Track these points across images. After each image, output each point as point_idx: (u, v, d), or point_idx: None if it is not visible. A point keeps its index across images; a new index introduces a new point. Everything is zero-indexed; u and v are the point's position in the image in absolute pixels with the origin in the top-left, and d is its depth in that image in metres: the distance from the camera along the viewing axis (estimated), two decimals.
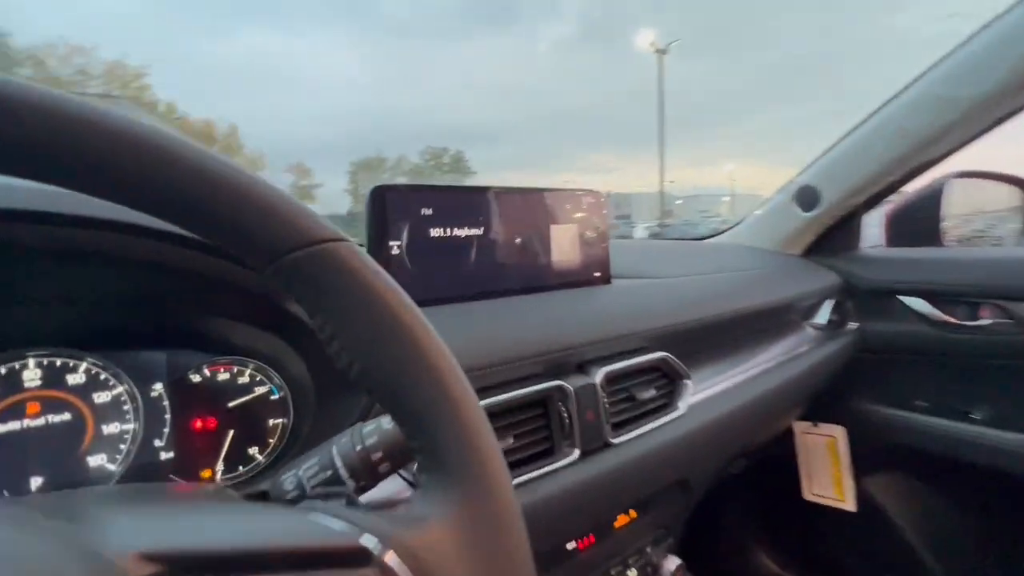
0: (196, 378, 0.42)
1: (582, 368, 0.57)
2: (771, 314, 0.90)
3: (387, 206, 0.48)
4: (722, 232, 1.30)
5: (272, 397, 0.44)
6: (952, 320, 0.97)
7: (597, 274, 0.66)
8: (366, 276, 0.24)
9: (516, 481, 0.47)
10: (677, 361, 0.64)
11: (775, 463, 1.18)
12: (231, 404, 0.42)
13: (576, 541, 0.56)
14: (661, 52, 19.69)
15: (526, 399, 0.50)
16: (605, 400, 0.56)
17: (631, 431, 0.58)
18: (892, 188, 1.05)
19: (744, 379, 0.77)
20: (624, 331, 0.60)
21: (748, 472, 1.05)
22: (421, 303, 0.48)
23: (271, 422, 0.43)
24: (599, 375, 0.56)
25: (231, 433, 0.42)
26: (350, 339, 0.24)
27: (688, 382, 0.65)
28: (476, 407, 0.25)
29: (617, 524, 0.59)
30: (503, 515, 0.24)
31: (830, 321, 1.02)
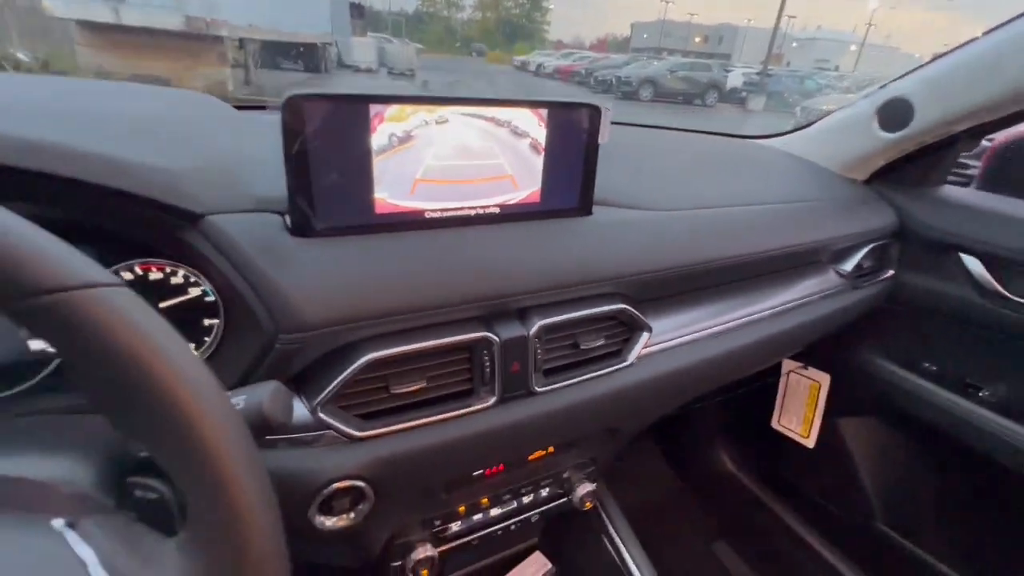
0: (127, 275, 0.42)
1: (523, 315, 0.54)
2: (792, 257, 0.81)
3: (305, 118, 0.40)
4: (787, 133, 1.10)
5: (207, 299, 0.43)
6: (1005, 292, 0.84)
7: (573, 205, 0.57)
8: (111, 329, 0.20)
9: (424, 421, 0.49)
10: (636, 312, 0.59)
11: (750, 389, 1.19)
12: (163, 304, 0.42)
13: (484, 471, 0.58)
14: None
15: (447, 347, 0.48)
16: (539, 349, 0.53)
17: (563, 380, 0.56)
18: (1008, 121, 0.82)
19: (727, 327, 0.72)
20: (576, 278, 0.54)
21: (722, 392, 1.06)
22: (343, 231, 0.45)
23: (206, 322, 0.43)
24: (535, 326, 0.52)
25: None
26: (99, 396, 0.21)
27: (645, 334, 0.61)
28: (249, 485, 0.23)
29: (532, 457, 0.61)
30: None
31: (860, 268, 0.90)
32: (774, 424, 1.11)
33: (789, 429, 1.08)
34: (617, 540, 0.73)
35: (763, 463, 1.32)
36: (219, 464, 0.23)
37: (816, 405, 1.02)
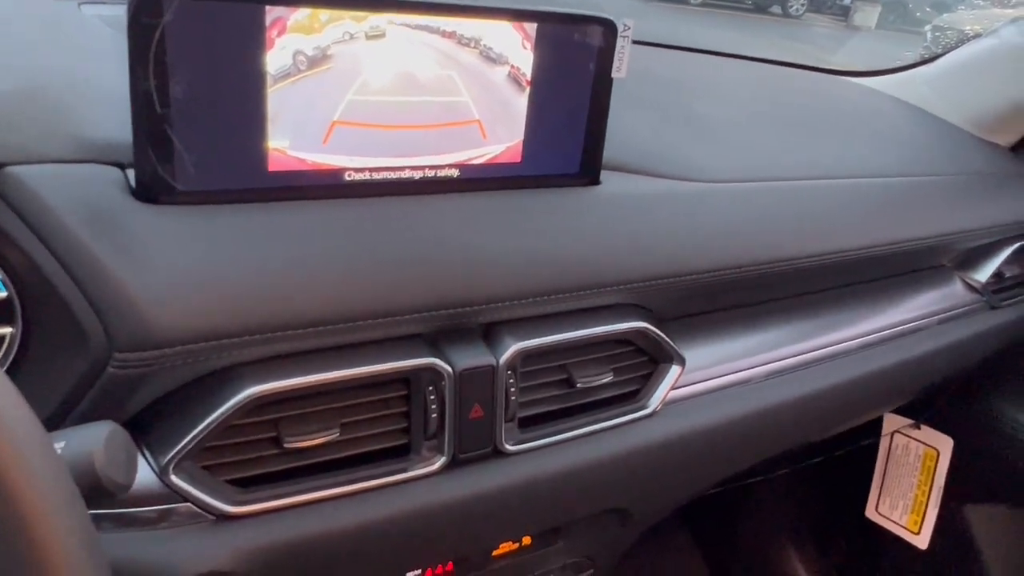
0: None
1: (490, 334, 0.55)
2: (901, 258, 0.84)
3: (162, 21, 0.41)
4: (899, 70, 1.15)
5: None
6: None
7: (571, 170, 0.59)
8: None
9: (334, 491, 0.50)
10: (661, 335, 0.61)
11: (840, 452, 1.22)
12: None
13: (424, 572, 0.59)
14: None
15: (372, 378, 0.50)
16: (512, 386, 0.55)
17: (547, 434, 0.58)
18: None
19: (798, 363, 0.75)
20: (573, 280, 0.56)
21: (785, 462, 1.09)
22: (217, 197, 0.46)
23: None
24: (508, 351, 0.54)
25: None
26: None
27: (675, 368, 0.63)
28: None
29: (497, 553, 0.62)
30: None
31: (1002, 277, 0.95)
32: (869, 513, 1.15)
33: (891, 520, 1.12)
34: None
35: (855, 571, 1.36)
36: (42, 543, 0.24)
37: (932, 484, 1.06)
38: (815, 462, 1.20)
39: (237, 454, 0.48)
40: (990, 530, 1.14)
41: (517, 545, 0.63)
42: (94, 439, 0.32)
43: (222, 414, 0.45)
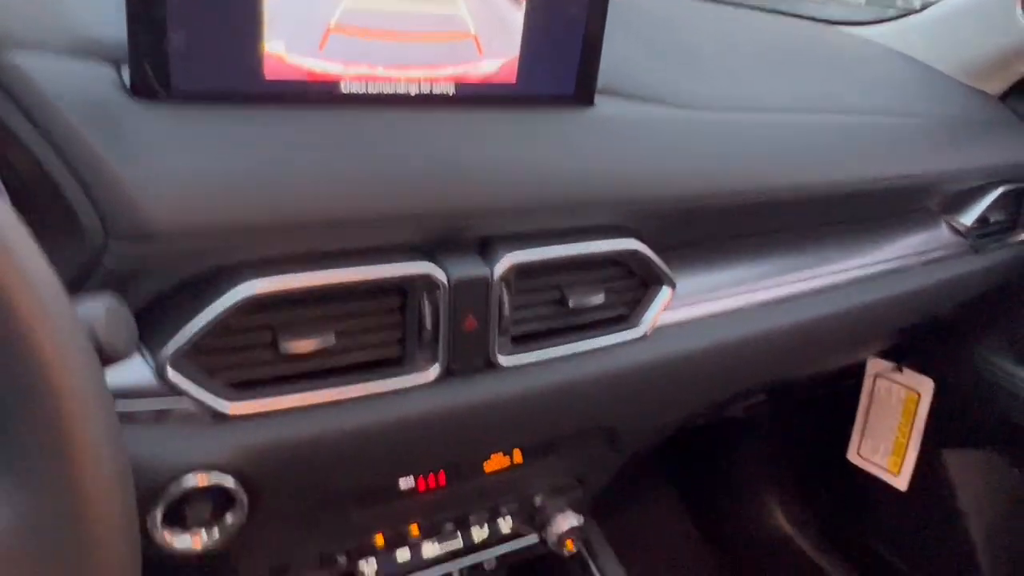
0: None
1: (485, 248, 0.56)
2: (888, 196, 0.86)
3: None
4: (890, 19, 1.15)
5: None
6: None
7: (566, 90, 0.59)
8: None
9: (329, 396, 0.51)
10: (654, 258, 0.62)
11: (816, 399, 1.24)
12: None
13: (416, 479, 0.61)
14: None
15: (368, 284, 0.50)
16: (506, 301, 0.56)
17: (541, 351, 0.59)
18: None
19: (786, 295, 0.76)
20: (567, 195, 0.57)
21: (772, 403, 1.11)
22: (213, 97, 0.46)
23: None
24: (502, 264, 0.54)
25: None
26: None
27: (666, 291, 0.64)
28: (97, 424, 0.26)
29: (489, 468, 0.64)
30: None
31: (986, 222, 0.96)
32: (851, 456, 1.17)
33: (872, 462, 1.15)
34: None
35: (833, 518, 1.39)
36: (60, 388, 0.25)
37: (912, 425, 1.08)
38: (798, 405, 1.22)
39: (235, 356, 0.48)
40: (968, 473, 1.16)
41: (509, 461, 0.64)
42: (97, 307, 0.32)
43: (221, 313, 0.45)
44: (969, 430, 1.13)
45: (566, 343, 0.60)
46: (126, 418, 0.46)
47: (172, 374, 0.45)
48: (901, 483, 1.11)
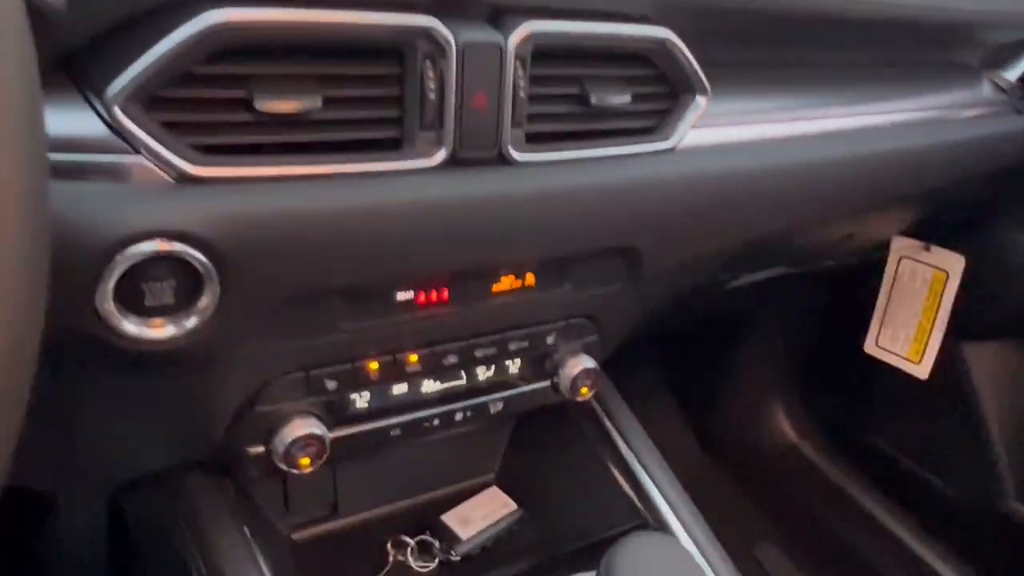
0: None
1: (497, 15, 0.49)
2: (928, 39, 0.80)
3: None
4: None
5: None
6: None
7: None
8: None
9: (315, 169, 0.45)
10: (686, 53, 0.55)
11: (834, 288, 1.19)
12: None
13: (415, 292, 0.55)
14: None
15: (360, 35, 0.44)
16: (522, 82, 0.49)
17: (559, 151, 0.53)
18: None
19: (818, 130, 0.70)
20: None
21: (784, 288, 1.05)
22: None
23: None
24: (518, 33, 0.48)
25: None
26: None
27: (700, 100, 0.58)
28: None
29: (498, 288, 0.57)
30: None
31: None
32: (868, 347, 1.12)
33: (891, 352, 1.09)
34: (633, 462, 0.72)
35: (840, 423, 1.35)
36: None
37: (939, 308, 1.02)
38: (810, 303, 1.17)
39: (204, 113, 0.42)
40: (989, 368, 1.11)
41: (520, 283, 0.58)
42: None
43: (177, 45, 0.38)
44: (993, 320, 1.08)
45: (590, 145, 0.55)
46: (75, 172, 0.39)
47: (121, 118, 0.39)
48: (922, 371, 1.05)
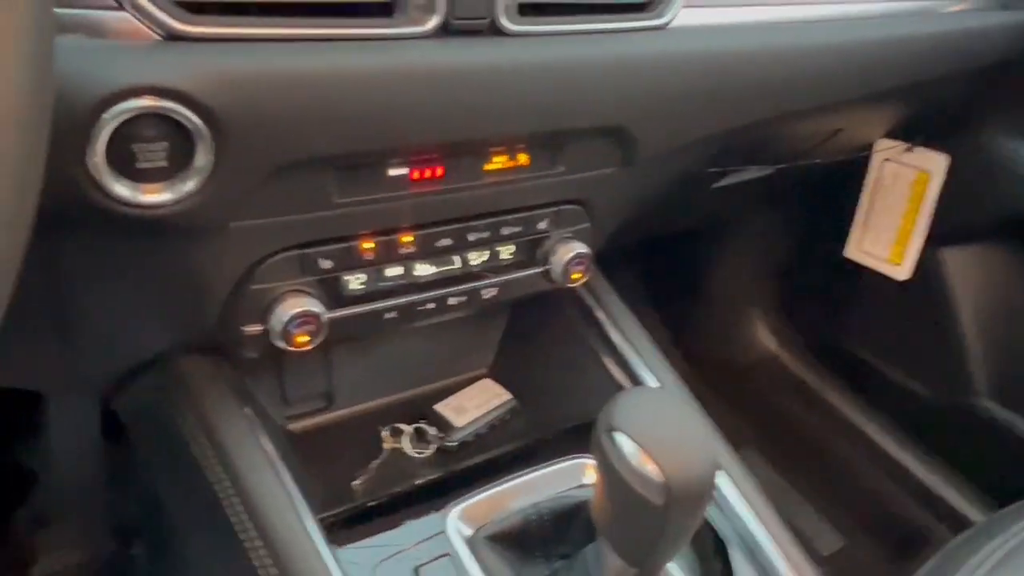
0: None
1: None
2: None
3: None
4: None
5: None
6: None
7: None
8: None
9: (307, 30, 0.44)
10: None
11: (816, 195, 1.20)
12: None
13: (408, 168, 0.53)
14: None
15: None
16: None
17: (552, 24, 0.53)
18: None
19: (812, 16, 0.70)
20: None
21: (768, 193, 1.05)
22: None
23: None
24: None
25: None
26: None
27: None
28: None
29: (489, 166, 0.57)
30: None
31: None
32: (849, 251, 1.13)
33: (872, 255, 1.10)
34: (623, 346, 0.72)
35: (819, 332, 1.37)
36: None
37: (920, 209, 1.02)
38: (791, 208, 1.17)
39: None
40: (968, 271, 1.13)
41: (513, 163, 0.57)
42: None
43: None
44: (973, 221, 1.09)
45: (582, 20, 0.54)
46: (61, 28, 0.38)
47: None
48: (903, 272, 1.06)
